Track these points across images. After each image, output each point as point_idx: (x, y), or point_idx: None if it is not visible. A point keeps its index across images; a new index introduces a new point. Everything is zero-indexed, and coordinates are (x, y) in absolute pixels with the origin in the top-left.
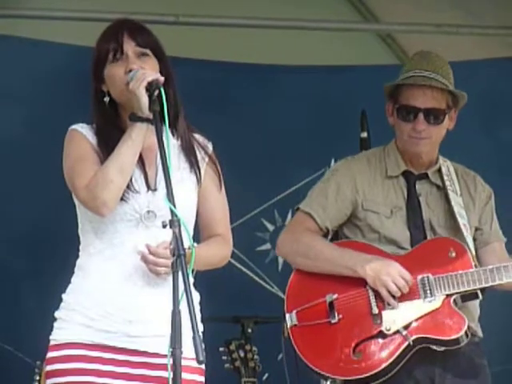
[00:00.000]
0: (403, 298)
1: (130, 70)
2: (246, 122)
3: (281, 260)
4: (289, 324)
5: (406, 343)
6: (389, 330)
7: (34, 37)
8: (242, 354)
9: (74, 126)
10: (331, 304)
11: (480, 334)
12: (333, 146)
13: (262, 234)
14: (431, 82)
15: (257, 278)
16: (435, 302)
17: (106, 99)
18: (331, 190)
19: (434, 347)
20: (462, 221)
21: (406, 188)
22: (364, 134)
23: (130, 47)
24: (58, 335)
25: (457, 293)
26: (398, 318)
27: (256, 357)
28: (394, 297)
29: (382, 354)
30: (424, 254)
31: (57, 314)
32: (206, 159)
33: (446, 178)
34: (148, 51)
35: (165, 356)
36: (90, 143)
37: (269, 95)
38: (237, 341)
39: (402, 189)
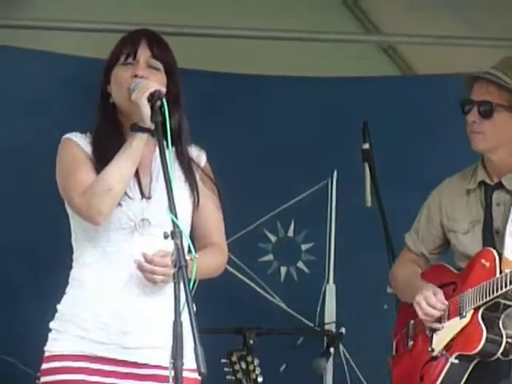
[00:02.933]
0: (449, 317)
1: (136, 76)
2: (248, 133)
3: (283, 271)
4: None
5: (448, 363)
6: (433, 352)
7: (36, 47)
8: (243, 366)
9: (67, 135)
10: (409, 331)
11: None
12: (335, 158)
13: (264, 245)
14: (484, 75)
15: (259, 289)
16: (466, 318)
17: (112, 100)
18: (423, 213)
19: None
20: None
21: (484, 199)
22: (366, 146)
23: (143, 55)
24: (52, 346)
25: (482, 305)
26: (441, 339)
27: (258, 368)
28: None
29: (433, 377)
30: (470, 268)
31: (51, 324)
32: (200, 169)
33: None
34: (160, 66)
35: (157, 367)
36: (84, 152)
37: (271, 106)
38: (238, 352)
39: (481, 201)
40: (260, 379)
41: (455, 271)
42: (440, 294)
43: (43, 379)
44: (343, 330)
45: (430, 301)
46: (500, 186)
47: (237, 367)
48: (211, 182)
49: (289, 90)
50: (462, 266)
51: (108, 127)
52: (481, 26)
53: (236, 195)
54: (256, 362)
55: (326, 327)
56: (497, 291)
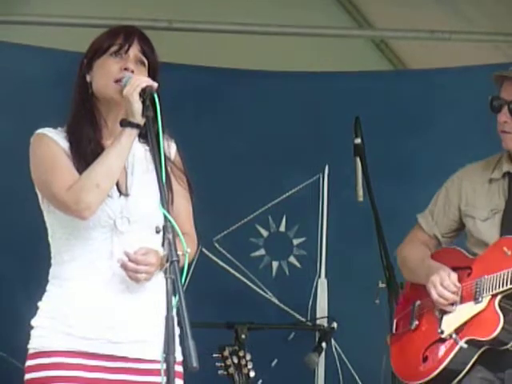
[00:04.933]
0: (462, 301)
1: (126, 69)
2: (240, 128)
3: (275, 265)
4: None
5: (457, 347)
6: (442, 334)
7: (23, 42)
8: (235, 361)
9: (40, 131)
10: (414, 311)
11: None
12: (327, 152)
13: (256, 240)
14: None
15: (251, 284)
16: (482, 304)
17: (91, 89)
18: (441, 196)
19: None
20: None
21: (508, 190)
22: (358, 140)
23: (134, 50)
24: (36, 343)
25: (500, 292)
26: (452, 321)
27: (249, 363)
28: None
29: (438, 358)
30: (489, 255)
31: (34, 322)
32: (170, 162)
33: None
34: (146, 63)
35: (148, 361)
36: (61, 147)
37: (262, 101)
38: (230, 347)
39: (504, 191)
40: (252, 374)
41: (470, 256)
42: (454, 276)
43: (28, 376)
44: (335, 324)
45: (444, 282)
46: None
47: (229, 362)
48: (181, 173)
49: (280, 85)
50: (476, 251)
51: (85, 117)
52: (472, 21)
53: (228, 190)
54: (248, 356)
55: (318, 322)
56: None
